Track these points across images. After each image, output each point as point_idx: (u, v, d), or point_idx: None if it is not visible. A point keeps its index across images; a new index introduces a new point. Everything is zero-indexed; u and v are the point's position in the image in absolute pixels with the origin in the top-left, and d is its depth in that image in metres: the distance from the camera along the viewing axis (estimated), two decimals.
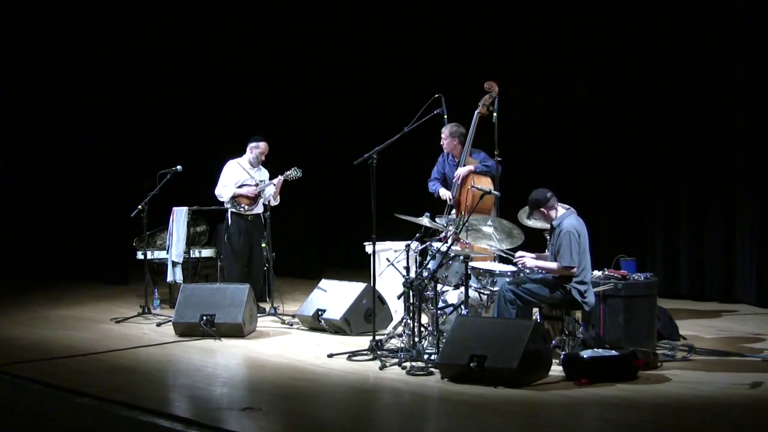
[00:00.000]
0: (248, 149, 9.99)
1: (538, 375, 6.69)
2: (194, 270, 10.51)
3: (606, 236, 10.73)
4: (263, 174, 10.05)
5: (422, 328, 7.64)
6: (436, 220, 8.34)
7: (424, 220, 8.06)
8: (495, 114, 8.97)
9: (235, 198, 9.84)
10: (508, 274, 7.84)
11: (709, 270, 10.48)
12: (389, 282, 8.81)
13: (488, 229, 8.00)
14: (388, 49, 13.20)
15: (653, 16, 10.81)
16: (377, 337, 7.81)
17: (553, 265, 7.30)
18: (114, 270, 12.73)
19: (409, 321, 7.70)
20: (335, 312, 8.68)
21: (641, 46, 10.91)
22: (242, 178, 9.92)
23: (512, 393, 6.38)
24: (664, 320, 7.90)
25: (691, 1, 10.51)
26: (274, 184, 9.84)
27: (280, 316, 9.47)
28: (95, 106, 13.18)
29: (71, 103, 13.32)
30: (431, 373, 6.95)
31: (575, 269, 7.18)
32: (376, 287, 8.35)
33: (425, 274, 7.70)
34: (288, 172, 9.84)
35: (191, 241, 10.46)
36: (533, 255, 7.58)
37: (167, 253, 10.43)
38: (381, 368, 7.18)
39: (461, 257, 7.71)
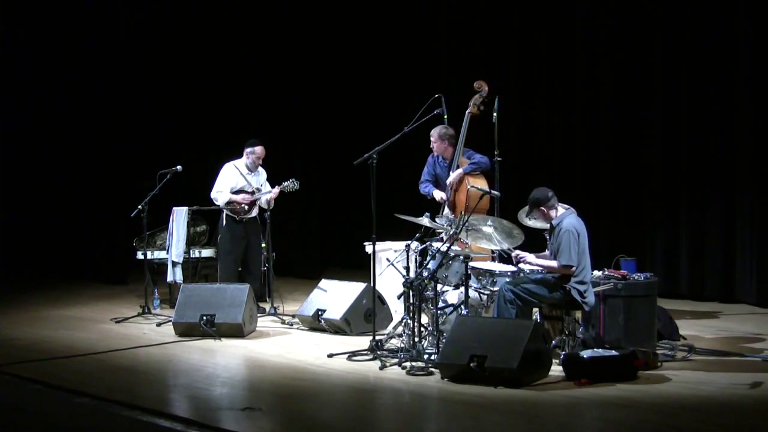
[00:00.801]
0: (244, 153, 9.97)
1: (538, 375, 6.69)
2: (194, 270, 10.51)
3: (606, 236, 10.73)
4: (261, 177, 10.05)
5: (422, 328, 7.64)
6: (436, 220, 8.34)
7: (424, 220, 8.06)
8: (495, 114, 8.97)
9: (229, 204, 9.84)
10: (508, 274, 7.84)
11: (709, 270, 10.48)
12: (389, 282, 8.81)
13: (488, 229, 8.00)
14: (388, 49, 13.19)
15: (653, 16, 10.80)
16: (377, 337, 7.81)
17: (553, 263, 7.30)
18: (114, 270, 12.73)
19: (409, 321, 7.71)
20: (335, 312, 8.68)
21: (641, 46, 10.91)
22: (239, 183, 9.91)
23: (512, 393, 6.38)
24: (664, 320, 7.89)
25: (692, 1, 10.51)
26: (271, 194, 9.83)
27: (280, 316, 9.47)
28: (95, 106, 13.18)
29: (71, 103, 13.32)
30: (431, 373, 6.95)
31: (574, 269, 7.18)
32: (376, 287, 8.35)
33: (425, 274, 7.70)
34: (285, 184, 9.84)
35: (191, 241, 10.46)
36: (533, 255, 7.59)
37: (167, 253, 10.44)
38: (381, 368, 7.18)
39: (461, 257, 7.71)
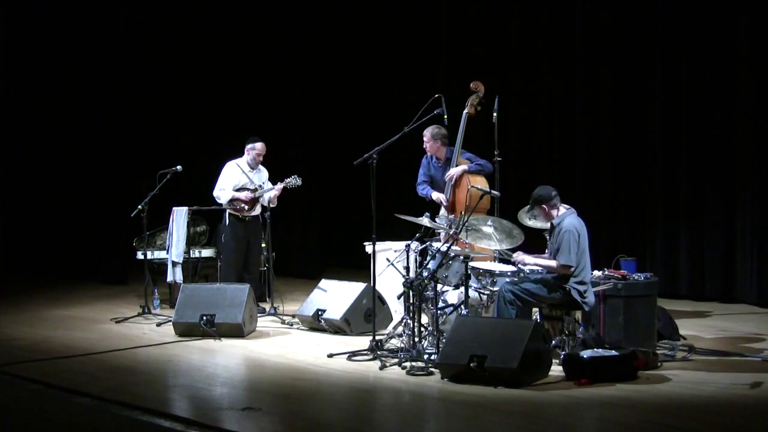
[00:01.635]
0: (245, 150, 9.99)
1: (538, 375, 6.69)
2: (194, 270, 10.51)
3: (606, 236, 10.74)
4: (263, 175, 10.05)
5: (422, 328, 7.64)
6: (436, 220, 8.34)
7: (424, 220, 8.06)
8: (495, 114, 8.97)
9: (232, 201, 9.85)
10: (508, 274, 7.84)
11: (709, 270, 10.48)
12: (389, 282, 8.81)
13: (488, 229, 8.00)
14: (388, 49, 13.20)
15: (653, 16, 10.80)
16: (377, 337, 7.80)
17: (552, 263, 7.30)
18: (114, 270, 12.73)
19: (409, 321, 7.70)
20: (335, 312, 8.68)
21: (641, 45, 10.91)
22: (241, 180, 9.92)
23: (512, 393, 6.38)
24: (664, 320, 7.90)
25: (692, 0, 10.51)
26: (274, 191, 9.84)
27: (280, 316, 9.47)
28: (95, 106, 13.19)
29: (71, 103, 13.32)
30: (431, 373, 6.95)
31: (573, 269, 7.18)
32: (376, 287, 8.35)
33: (425, 274, 7.70)
34: (288, 180, 9.84)
35: (191, 241, 10.46)
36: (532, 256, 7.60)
37: (167, 253, 10.44)
38: (381, 368, 7.18)
39: (461, 257, 7.71)
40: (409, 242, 8.08)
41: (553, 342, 7.32)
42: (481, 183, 8.71)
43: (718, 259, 10.41)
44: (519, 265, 7.64)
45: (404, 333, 7.77)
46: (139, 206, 9.77)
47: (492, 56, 12.02)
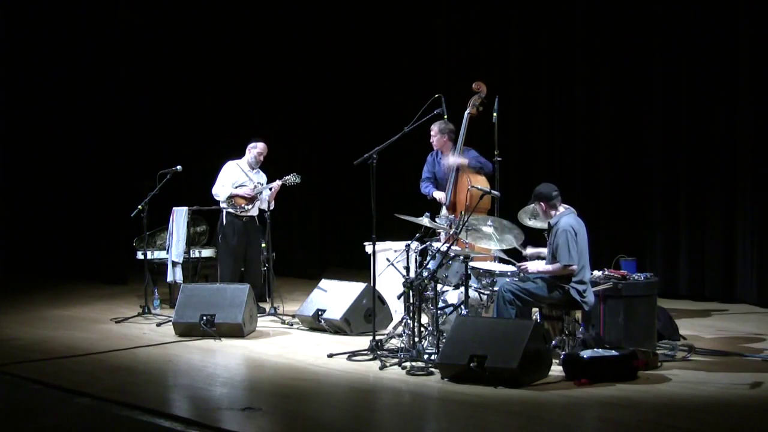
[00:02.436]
0: (247, 150, 10.01)
1: (538, 375, 6.69)
2: (194, 270, 10.51)
3: (606, 236, 10.73)
4: (261, 177, 10.06)
5: (422, 328, 7.64)
6: (436, 220, 8.34)
7: (424, 220, 8.06)
8: (495, 114, 8.97)
9: (231, 198, 9.85)
10: (508, 274, 7.84)
11: (709, 270, 10.48)
12: (389, 282, 8.81)
13: (488, 229, 8.00)
14: (388, 49, 13.20)
15: (653, 16, 10.80)
16: (377, 337, 7.80)
17: (553, 266, 7.30)
18: (114, 270, 12.74)
19: (409, 321, 7.70)
20: (335, 312, 8.68)
21: (641, 46, 10.91)
22: (240, 179, 9.92)
23: (512, 393, 6.38)
24: (664, 320, 7.89)
25: (692, 0, 10.51)
26: (272, 188, 9.84)
27: (280, 316, 9.47)
28: (95, 106, 13.19)
29: (71, 103, 13.32)
30: (431, 373, 6.95)
31: (574, 266, 7.18)
32: (376, 287, 8.35)
33: (425, 274, 7.70)
34: (287, 177, 9.85)
35: (191, 241, 10.46)
36: (533, 262, 7.60)
37: (167, 253, 10.44)
38: (381, 368, 7.18)
39: (461, 257, 7.71)
40: (409, 242, 8.08)
41: (553, 342, 7.32)
42: (481, 183, 8.71)
43: (718, 259, 10.41)
44: (522, 274, 7.62)
45: (404, 333, 7.77)
46: (139, 206, 9.77)
47: (492, 56, 12.02)
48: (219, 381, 7.02)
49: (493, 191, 8.49)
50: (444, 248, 7.73)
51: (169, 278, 10.38)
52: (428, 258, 7.88)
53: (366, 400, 6.67)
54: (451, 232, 7.93)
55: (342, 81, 13.59)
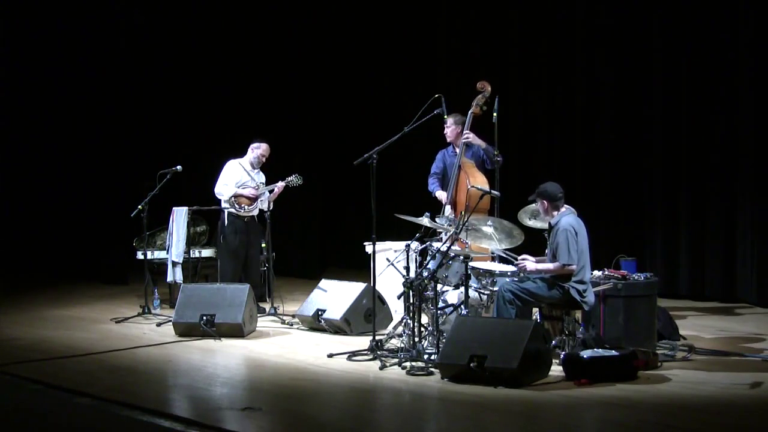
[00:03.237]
0: (249, 149, 10.02)
1: (538, 375, 6.69)
2: (194, 270, 10.51)
3: (606, 236, 10.74)
4: (261, 177, 10.07)
5: (422, 328, 7.64)
6: (436, 220, 8.34)
7: (424, 220, 8.06)
8: (495, 114, 8.98)
9: (235, 197, 9.85)
10: (508, 274, 7.84)
11: (709, 270, 10.48)
12: (389, 282, 8.81)
13: (488, 229, 8.00)
14: (388, 49, 13.20)
15: (653, 16, 10.81)
16: (377, 337, 7.80)
17: (553, 265, 7.30)
18: (114, 270, 12.73)
19: (409, 321, 7.70)
20: (335, 312, 8.68)
21: (641, 46, 10.91)
22: (243, 178, 9.93)
23: (512, 393, 6.38)
24: (664, 320, 7.89)
25: (692, 1, 10.52)
26: (273, 190, 9.85)
27: (280, 316, 9.47)
28: (95, 106, 13.20)
29: (71, 103, 13.33)
30: (431, 373, 6.95)
31: (574, 266, 7.18)
32: (376, 287, 8.35)
33: (425, 274, 7.70)
34: (289, 179, 9.86)
35: (191, 241, 10.45)
36: (534, 259, 7.58)
37: (167, 253, 10.43)
38: (381, 368, 7.18)
39: (461, 257, 7.71)
40: (409, 242, 8.08)
41: (553, 342, 7.32)
42: (481, 183, 8.72)
43: (718, 259, 10.41)
44: (521, 272, 7.61)
45: (404, 333, 7.77)
46: (139, 206, 9.77)
47: (492, 56, 12.02)
48: (219, 381, 7.02)
49: (493, 191, 8.49)
50: (444, 248, 7.72)
51: (169, 278, 10.38)
52: (428, 258, 7.88)
53: (366, 400, 6.67)
54: (450, 232, 7.93)
55: (342, 81, 13.59)
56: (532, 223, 8.32)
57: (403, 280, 7.82)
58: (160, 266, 10.63)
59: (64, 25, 13.30)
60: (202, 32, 13.96)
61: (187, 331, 8.63)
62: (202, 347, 8.28)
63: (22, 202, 13.64)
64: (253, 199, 9.89)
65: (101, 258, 13.02)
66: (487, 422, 5.93)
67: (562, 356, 6.87)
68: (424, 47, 12.87)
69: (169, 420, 5.97)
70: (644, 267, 9.65)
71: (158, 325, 9.25)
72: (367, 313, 8.57)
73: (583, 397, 6.32)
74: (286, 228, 12.16)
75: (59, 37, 13.30)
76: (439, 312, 7.65)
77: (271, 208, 9.93)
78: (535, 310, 7.69)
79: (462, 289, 7.71)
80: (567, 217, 7.34)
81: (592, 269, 7.52)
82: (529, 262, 7.50)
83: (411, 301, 7.71)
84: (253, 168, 10.00)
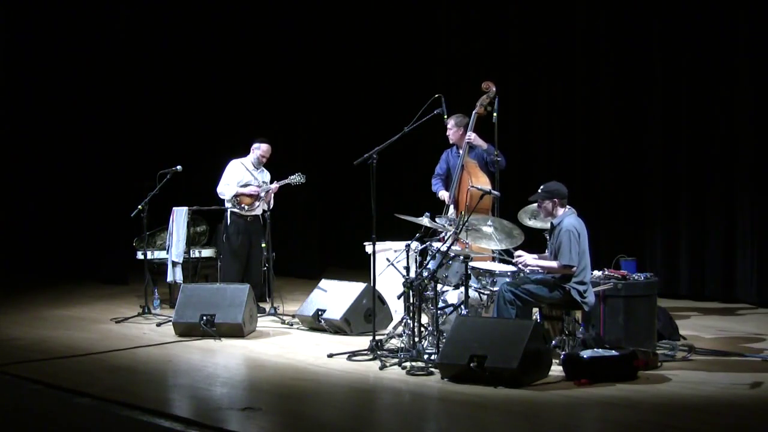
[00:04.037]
0: (251, 149, 10.03)
1: (538, 375, 6.69)
2: (194, 270, 10.50)
3: (606, 236, 10.74)
4: (265, 176, 10.08)
5: (422, 328, 7.64)
6: (436, 220, 8.34)
7: (424, 220, 8.06)
8: (495, 114, 8.98)
9: (237, 197, 9.85)
10: (508, 274, 7.84)
11: (709, 270, 10.48)
12: (389, 282, 8.81)
13: (488, 229, 8.00)
14: (388, 49, 13.20)
15: (653, 16, 10.81)
16: (377, 337, 7.80)
17: (553, 263, 7.30)
18: (114, 270, 12.73)
19: (409, 321, 7.70)
20: (335, 312, 8.68)
21: (641, 46, 10.91)
22: (245, 178, 9.94)
23: (512, 393, 6.38)
24: (664, 320, 7.89)
25: (691, 1, 10.52)
26: (269, 189, 9.85)
27: (280, 316, 9.48)
28: (95, 106, 13.19)
29: (71, 103, 13.32)
30: (431, 373, 6.95)
31: (575, 268, 7.18)
32: (376, 287, 8.35)
33: (425, 274, 7.70)
34: (292, 177, 9.88)
35: (191, 241, 10.45)
36: (534, 256, 7.58)
37: (167, 253, 10.43)
38: (381, 368, 7.18)
39: (461, 257, 7.71)
40: (409, 242, 8.08)
41: (553, 342, 7.32)
42: (482, 183, 8.72)
43: (718, 259, 10.41)
44: (520, 266, 7.62)
45: (404, 333, 7.77)
46: (139, 206, 9.77)
47: (492, 56, 12.03)
48: (219, 381, 7.02)
49: (493, 191, 8.49)
50: (444, 248, 7.72)
51: (169, 278, 10.38)
52: (428, 258, 7.88)
53: (366, 400, 6.67)
54: (450, 232, 7.93)
55: (342, 81, 13.59)
56: (532, 223, 8.33)
57: (403, 280, 7.82)
58: (160, 266, 10.63)
59: (65, 25, 13.29)
60: (203, 32, 13.95)
61: (187, 331, 8.63)
62: (202, 347, 8.27)
63: (22, 202, 13.63)
64: (255, 198, 9.89)
65: (101, 258, 13.02)
66: (487, 422, 5.94)
67: (562, 356, 6.87)
68: (424, 47, 12.86)
69: (169, 420, 5.97)
70: (644, 267, 9.66)
71: (158, 325, 9.25)
72: (367, 313, 8.57)
73: (583, 397, 6.32)
74: (286, 228, 12.16)
75: (59, 37, 13.29)
76: (439, 312, 7.64)
77: (271, 206, 9.93)
78: (535, 310, 7.69)
79: (462, 289, 7.71)
80: (569, 218, 7.34)
81: (592, 269, 7.52)
82: (529, 257, 7.49)
83: (411, 301, 7.72)
84: (256, 167, 10.01)
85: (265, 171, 10.10)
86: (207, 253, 10.80)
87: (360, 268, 10.90)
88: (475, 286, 7.90)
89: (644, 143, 10.96)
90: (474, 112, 9.00)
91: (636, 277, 7.63)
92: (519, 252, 7.63)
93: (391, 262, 8.22)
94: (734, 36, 10.21)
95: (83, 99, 13.24)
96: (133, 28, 13.48)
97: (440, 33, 12.72)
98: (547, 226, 7.62)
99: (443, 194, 9.06)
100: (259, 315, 9.21)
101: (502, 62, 11.93)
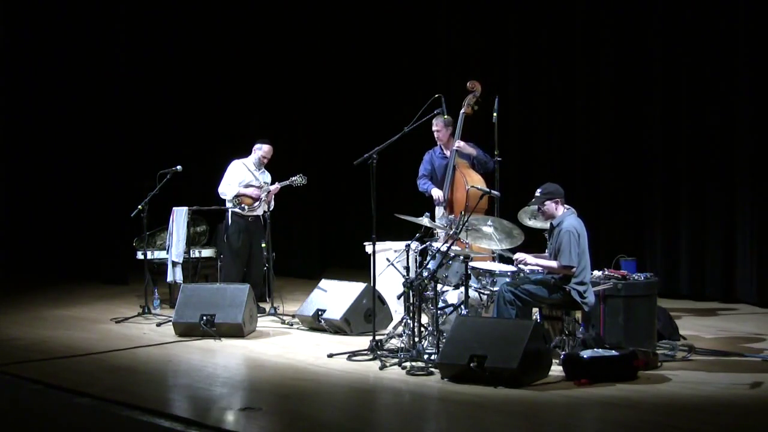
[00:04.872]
0: (253, 150, 10.05)
1: (538, 375, 6.69)
2: (194, 270, 10.50)
3: (606, 236, 10.73)
4: (266, 177, 10.09)
5: (422, 328, 7.64)
6: (436, 220, 8.34)
7: (424, 220, 8.06)
8: (495, 114, 8.98)
9: (238, 197, 9.86)
10: (508, 274, 7.84)
11: (709, 270, 10.48)
12: (389, 282, 8.81)
13: (488, 229, 8.00)
14: (388, 49, 13.20)
15: (653, 16, 10.81)
16: (377, 337, 7.80)
17: (553, 263, 7.30)
18: (114, 270, 12.73)
19: (409, 321, 7.70)
20: (335, 312, 8.68)
21: (641, 45, 10.91)
22: (246, 178, 9.94)
23: (512, 393, 6.38)
24: (664, 320, 7.90)
25: (692, 1, 10.52)
26: (270, 190, 9.86)
27: (280, 316, 9.47)
28: (95, 106, 13.19)
29: (71, 103, 13.32)
30: (431, 373, 6.95)
31: (575, 269, 7.18)
32: (376, 287, 8.35)
33: (425, 274, 7.70)
34: (294, 178, 9.89)
35: (191, 241, 10.45)
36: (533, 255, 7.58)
37: (167, 253, 10.43)
38: (381, 368, 7.18)
39: (461, 257, 7.71)
40: (409, 242, 8.08)
41: (553, 342, 7.32)
42: (478, 182, 8.72)
43: (718, 259, 10.41)
44: (520, 266, 7.62)
45: (404, 333, 7.77)
46: (139, 206, 9.77)
47: (492, 56, 12.03)
48: (219, 381, 7.02)
49: (492, 191, 8.49)
50: (444, 248, 7.72)
51: (169, 278, 10.38)
52: (428, 258, 7.88)
53: (366, 400, 6.67)
54: (450, 232, 7.93)
55: (342, 81, 13.59)
56: (532, 223, 8.33)
57: (403, 280, 7.82)
58: (160, 266, 10.63)
59: (65, 25, 13.29)
60: (203, 32, 13.95)
61: (187, 331, 8.63)
62: (202, 347, 8.28)
63: (22, 202, 13.62)
64: (256, 199, 9.90)
65: (101, 258, 13.01)
66: (487, 422, 5.94)
67: (562, 356, 6.87)
68: (424, 47, 12.86)
69: (169, 420, 5.97)
70: (644, 267, 9.66)
71: (158, 325, 9.25)
72: (367, 313, 8.57)
73: (583, 397, 6.32)
74: (286, 228, 12.16)
75: (59, 37, 13.29)
76: (439, 312, 7.65)
77: (272, 207, 9.94)
78: (535, 310, 7.69)
79: (462, 289, 7.71)
80: (570, 218, 7.34)
81: (592, 269, 7.52)
82: (529, 256, 7.49)
83: (411, 301, 7.72)
84: (257, 168, 10.01)
85: (267, 172, 10.11)
86: (207, 253, 10.80)
87: (360, 268, 10.89)
88: (475, 286, 7.90)
89: (644, 143, 10.95)
90: (461, 112, 9.01)
91: (636, 277, 7.64)
92: (518, 253, 7.63)
93: (391, 262, 8.22)
94: (734, 36, 10.20)
95: (83, 99, 13.23)
96: (134, 28, 13.48)
97: (440, 33, 12.72)
98: (547, 225, 7.62)
99: (436, 192, 9.04)
100: (259, 315, 9.21)
101: (502, 62, 11.93)
